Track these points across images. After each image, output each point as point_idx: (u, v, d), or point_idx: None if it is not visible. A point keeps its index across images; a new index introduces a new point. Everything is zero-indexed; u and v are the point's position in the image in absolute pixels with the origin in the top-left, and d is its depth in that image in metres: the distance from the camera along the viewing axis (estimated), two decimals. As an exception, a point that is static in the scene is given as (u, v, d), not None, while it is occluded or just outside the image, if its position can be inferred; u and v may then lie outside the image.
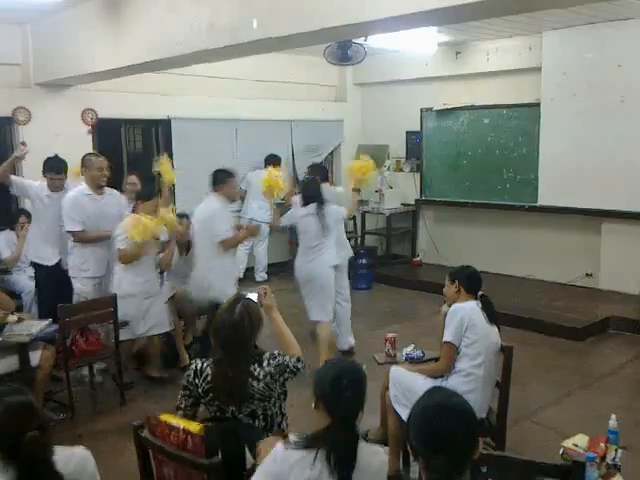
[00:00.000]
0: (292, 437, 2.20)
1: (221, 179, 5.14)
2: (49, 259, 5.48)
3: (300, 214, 5.39)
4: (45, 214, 5.47)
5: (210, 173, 5.25)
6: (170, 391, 4.89)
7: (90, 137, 7.42)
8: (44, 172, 5.41)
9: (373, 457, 2.17)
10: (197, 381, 2.77)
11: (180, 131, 8.09)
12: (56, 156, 5.47)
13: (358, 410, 2.21)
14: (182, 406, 2.80)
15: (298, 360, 2.83)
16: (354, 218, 9.46)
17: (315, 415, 2.24)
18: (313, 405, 2.25)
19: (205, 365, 2.79)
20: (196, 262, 5.22)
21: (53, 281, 5.41)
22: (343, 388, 2.17)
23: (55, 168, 5.39)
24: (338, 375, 2.21)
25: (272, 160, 8.04)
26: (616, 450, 2.95)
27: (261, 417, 2.76)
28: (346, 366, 2.31)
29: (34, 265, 5.67)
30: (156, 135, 8.30)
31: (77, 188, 5.31)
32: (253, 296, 3.09)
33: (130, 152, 8.18)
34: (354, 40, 6.21)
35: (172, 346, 5.54)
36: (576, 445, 3.03)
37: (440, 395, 1.88)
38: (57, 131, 6.98)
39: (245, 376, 2.71)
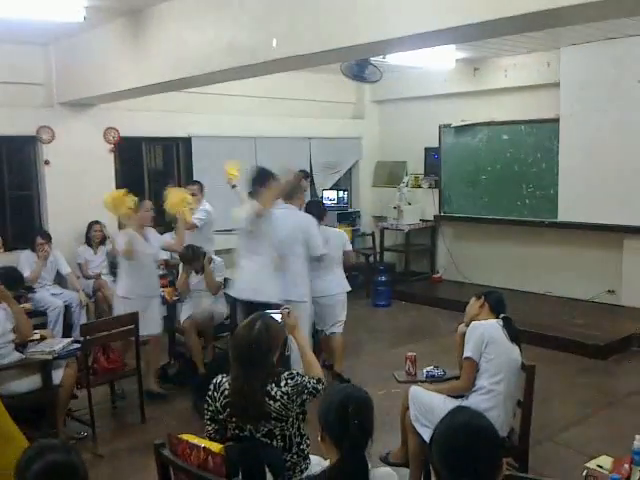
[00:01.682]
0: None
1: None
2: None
3: None
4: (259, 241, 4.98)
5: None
6: (190, 408, 4.92)
7: (112, 155, 7.53)
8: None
9: None
10: (216, 395, 2.77)
11: (200, 149, 8.17)
12: None
13: (367, 439, 2.15)
14: (210, 430, 2.80)
15: (318, 381, 2.81)
16: (372, 234, 9.49)
17: (322, 447, 2.20)
18: (319, 437, 2.19)
19: (224, 380, 2.79)
20: None
21: None
22: (350, 417, 2.11)
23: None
24: (343, 403, 2.14)
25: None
26: (641, 471, 2.90)
27: (279, 437, 2.73)
28: (351, 392, 2.24)
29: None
30: (177, 153, 8.40)
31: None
32: (276, 316, 3.09)
33: (151, 170, 8.26)
34: (372, 59, 6.26)
35: (191, 364, 5.56)
36: (600, 466, 2.98)
37: (463, 416, 1.86)
38: (80, 150, 7.11)
39: (261, 394, 2.69)
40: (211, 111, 8.09)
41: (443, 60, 7.68)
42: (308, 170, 9.08)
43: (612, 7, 3.27)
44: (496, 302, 3.72)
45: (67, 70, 6.78)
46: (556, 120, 7.65)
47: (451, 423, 1.82)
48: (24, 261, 6.31)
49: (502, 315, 3.67)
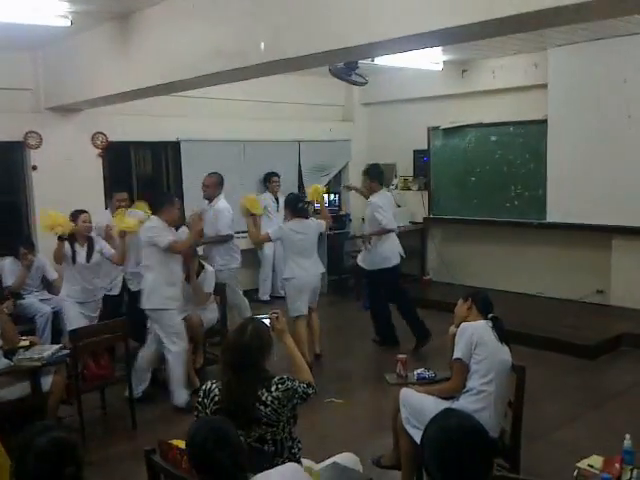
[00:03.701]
0: None
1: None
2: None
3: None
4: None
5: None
6: (181, 413, 4.90)
7: (100, 160, 7.50)
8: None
9: None
10: (205, 401, 2.76)
11: (189, 153, 8.15)
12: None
13: (237, 468, 2.15)
14: None
15: (309, 385, 2.81)
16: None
17: None
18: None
19: (214, 386, 2.78)
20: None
21: None
22: (214, 452, 2.12)
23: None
24: (202, 440, 2.14)
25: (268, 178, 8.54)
26: (631, 470, 2.91)
27: (270, 442, 2.73)
28: (204, 425, 2.26)
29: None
30: (165, 157, 8.37)
31: None
32: (265, 320, 3.09)
33: (140, 174, 8.23)
34: (361, 61, 6.27)
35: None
36: (591, 466, 2.99)
37: (455, 418, 1.87)
38: (68, 155, 7.07)
39: (252, 399, 2.69)
40: (200, 115, 8.07)
41: (431, 62, 7.71)
42: (297, 173, 9.16)
43: (596, 9, 3.28)
44: (482, 302, 3.72)
45: (55, 75, 6.75)
46: (544, 121, 7.69)
47: (443, 425, 1.83)
48: (8, 268, 6.27)
49: (491, 315, 3.68)
